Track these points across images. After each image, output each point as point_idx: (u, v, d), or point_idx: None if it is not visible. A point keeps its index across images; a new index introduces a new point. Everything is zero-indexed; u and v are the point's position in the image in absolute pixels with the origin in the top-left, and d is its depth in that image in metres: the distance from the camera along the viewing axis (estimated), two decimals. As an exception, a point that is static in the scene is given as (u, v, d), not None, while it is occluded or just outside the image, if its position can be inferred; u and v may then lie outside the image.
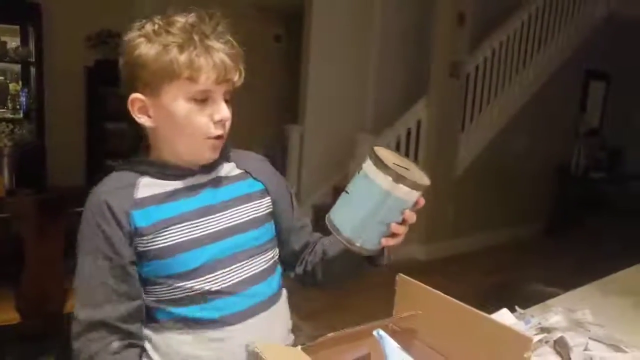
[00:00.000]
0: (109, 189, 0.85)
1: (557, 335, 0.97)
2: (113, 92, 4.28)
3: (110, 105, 4.08)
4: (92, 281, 0.82)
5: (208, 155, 0.87)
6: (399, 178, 0.74)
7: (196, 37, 0.80)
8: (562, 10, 4.90)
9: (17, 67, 4.03)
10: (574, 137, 5.41)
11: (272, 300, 0.93)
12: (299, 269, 1.02)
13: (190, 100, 0.81)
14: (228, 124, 0.86)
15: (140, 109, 0.84)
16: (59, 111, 3.96)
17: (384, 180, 0.74)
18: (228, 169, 0.94)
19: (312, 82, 4.05)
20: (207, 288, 0.84)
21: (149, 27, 0.81)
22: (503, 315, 1.01)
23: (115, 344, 0.81)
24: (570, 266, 3.82)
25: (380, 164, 0.74)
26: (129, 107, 0.85)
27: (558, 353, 1.00)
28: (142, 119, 0.85)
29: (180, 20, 0.81)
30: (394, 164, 0.75)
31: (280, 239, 0.99)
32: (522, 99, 4.63)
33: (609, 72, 5.79)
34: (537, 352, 0.94)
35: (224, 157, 0.93)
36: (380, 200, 0.76)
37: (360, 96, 4.36)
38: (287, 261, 1.02)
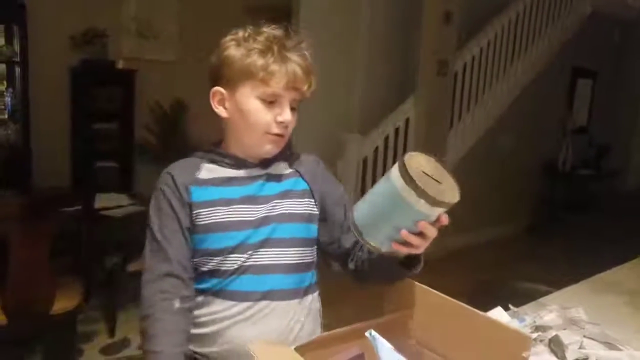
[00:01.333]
0: (176, 166, 1.01)
1: (552, 333, 0.97)
2: (99, 92, 4.22)
3: (97, 105, 4.02)
4: (161, 237, 0.96)
5: (268, 148, 0.99)
6: (419, 192, 0.73)
7: (275, 47, 0.94)
8: (549, 8, 4.95)
9: (1, 67, 3.95)
10: (561, 135, 5.46)
11: (300, 293, 1.00)
12: (352, 265, 1.06)
13: (259, 99, 0.95)
14: (290, 127, 0.99)
15: (220, 101, 0.99)
16: (44, 111, 3.89)
17: (403, 188, 0.73)
18: (282, 167, 1.05)
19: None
20: (237, 265, 0.95)
21: (240, 34, 0.97)
22: (497, 314, 1.01)
23: (177, 304, 0.93)
24: (556, 264, 3.86)
25: (404, 172, 0.73)
26: (210, 98, 0.99)
27: (553, 351, 1.00)
28: (219, 110, 0.99)
29: (267, 31, 0.96)
30: (423, 172, 0.74)
31: (333, 236, 1.06)
32: (509, 97, 4.66)
33: (595, 69, 5.86)
34: (532, 350, 0.94)
35: (282, 156, 1.04)
36: (394, 205, 0.76)
37: (347, 96, 4.35)
38: (341, 258, 1.08)
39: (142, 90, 4.21)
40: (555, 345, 1.01)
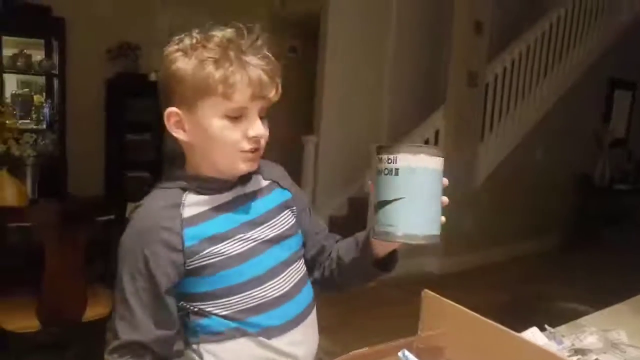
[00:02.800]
0: (155, 209, 0.85)
1: (592, 357, 0.93)
2: (133, 104, 4.35)
3: (130, 117, 4.13)
4: (132, 300, 0.82)
5: (243, 167, 0.87)
6: (438, 152, 0.78)
7: (232, 53, 0.79)
8: (584, 17, 4.81)
9: (41, 80, 4.12)
10: (597, 148, 5.28)
11: (312, 305, 0.95)
12: (317, 274, 1.01)
13: (224, 117, 0.81)
14: (263, 141, 0.86)
15: (176, 123, 0.84)
16: (80, 122, 4.02)
17: (432, 162, 0.77)
18: (258, 180, 0.95)
19: (328, 92, 4.04)
20: (268, 297, 0.87)
21: (187, 41, 0.82)
22: (533, 334, 0.97)
23: None
24: (590, 282, 3.71)
25: (416, 149, 0.77)
26: (165, 120, 0.85)
27: (590, 375, 0.95)
28: (178, 134, 0.85)
29: (218, 35, 0.82)
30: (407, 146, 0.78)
31: (303, 244, 1.01)
32: (542, 109, 4.55)
33: (634, 80, 5.66)
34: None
35: (256, 170, 0.95)
36: (437, 185, 0.78)
37: (376, 106, 4.33)
38: (306, 266, 1.01)
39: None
40: (592, 369, 0.96)
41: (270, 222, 0.91)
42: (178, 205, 0.84)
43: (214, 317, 0.85)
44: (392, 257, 0.91)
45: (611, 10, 5.06)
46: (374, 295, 2.75)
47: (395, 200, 0.76)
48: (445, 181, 0.80)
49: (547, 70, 4.55)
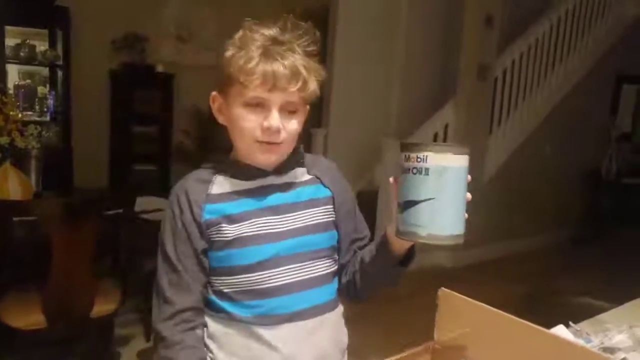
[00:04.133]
0: (188, 182, 0.93)
1: (621, 356, 0.89)
2: (139, 95, 4.31)
3: (136, 109, 4.09)
4: (181, 267, 0.89)
5: (261, 158, 0.91)
6: (465, 149, 0.76)
7: (262, 46, 0.85)
8: (592, 11, 4.77)
9: (45, 70, 4.07)
10: (605, 142, 5.24)
11: (324, 308, 0.93)
12: (344, 279, 1.01)
13: (244, 105, 0.87)
14: (286, 134, 0.89)
15: (217, 107, 0.93)
16: (85, 114, 3.99)
17: (461, 161, 0.76)
18: (299, 173, 0.98)
19: (337, 84, 4.00)
20: (265, 284, 0.88)
21: (239, 34, 0.88)
22: (559, 332, 0.94)
23: (200, 332, 0.90)
24: (602, 276, 3.68)
25: (446, 147, 0.76)
26: (211, 104, 0.94)
27: (623, 377, 0.91)
28: (218, 117, 0.93)
29: (262, 29, 0.87)
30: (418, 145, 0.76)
31: (338, 247, 1.00)
32: (551, 103, 4.51)
33: (641, 74, 5.60)
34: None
35: (296, 162, 0.97)
36: (464, 180, 0.77)
37: (385, 99, 4.29)
38: (337, 272, 1.01)
39: (180, 94, 4.27)
40: (625, 370, 0.92)
41: (297, 214, 0.93)
42: (207, 182, 0.92)
43: (216, 292, 0.91)
44: (409, 253, 0.91)
45: (618, 4, 5.01)
46: (389, 289, 2.74)
47: (424, 200, 0.74)
48: (469, 177, 0.79)
49: (555, 64, 4.51)
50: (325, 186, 0.98)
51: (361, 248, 1.01)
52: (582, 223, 4.95)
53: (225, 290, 0.90)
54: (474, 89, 3.87)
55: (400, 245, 0.88)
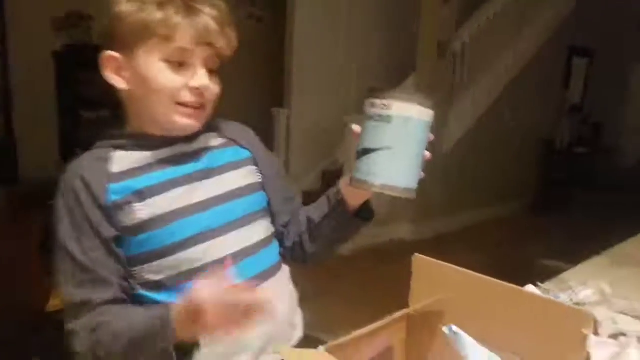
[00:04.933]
0: (82, 165, 0.81)
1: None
2: (87, 78, 4.07)
3: (84, 93, 3.88)
4: (88, 260, 0.76)
5: (181, 122, 0.81)
6: (430, 106, 0.73)
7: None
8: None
9: (-21, 55, 3.80)
10: (558, 113, 5.42)
11: (268, 274, 0.87)
12: (288, 243, 0.95)
13: (165, 61, 0.77)
14: (209, 95, 0.81)
15: (116, 69, 0.80)
16: (28, 100, 3.75)
17: (425, 115, 0.73)
18: (211, 138, 0.90)
19: (297, 64, 3.92)
20: (198, 263, 0.79)
21: None
22: (529, 290, 0.94)
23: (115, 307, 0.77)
24: (564, 240, 3.82)
25: (412, 98, 0.72)
26: (102, 66, 0.80)
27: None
28: (116, 81, 0.80)
29: None
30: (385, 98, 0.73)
31: (270, 210, 0.94)
32: (508, 76, 4.58)
33: (591, 48, 5.79)
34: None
35: (207, 127, 0.88)
36: (425, 134, 0.74)
37: (346, 78, 4.25)
38: (276, 236, 0.95)
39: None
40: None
41: (218, 179, 0.85)
42: (105, 160, 0.81)
43: (143, 285, 0.80)
44: (366, 207, 0.88)
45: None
46: (350, 264, 2.73)
47: (381, 149, 0.71)
48: (431, 136, 0.76)
49: (512, 38, 4.57)
50: (243, 147, 0.92)
51: (298, 207, 0.97)
52: (538, 191, 5.12)
53: (155, 279, 0.79)
54: (433, 65, 3.87)
55: (354, 196, 0.85)
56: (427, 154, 0.76)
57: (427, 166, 0.78)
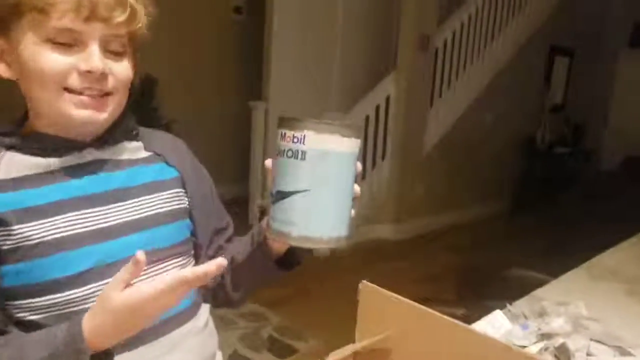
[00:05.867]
0: None
1: (559, 341, 0.85)
2: None
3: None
4: None
5: (76, 114, 0.65)
6: (358, 131, 0.61)
7: None
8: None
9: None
10: (540, 113, 5.41)
11: (181, 319, 0.73)
12: (210, 284, 0.82)
13: (49, 41, 0.63)
14: (114, 81, 0.67)
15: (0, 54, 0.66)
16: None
17: (348, 145, 0.60)
18: (132, 148, 0.75)
19: (276, 56, 3.83)
20: (86, 304, 0.64)
21: None
22: (496, 318, 0.89)
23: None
24: (542, 243, 3.82)
25: (330, 127, 0.59)
26: None
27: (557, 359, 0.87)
28: (3, 70, 0.67)
29: None
30: (318, 122, 0.60)
31: (195, 242, 0.80)
32: (489, 74, 4.57)
33: (573, 47, 5.80)
34: (540, 361, 0.82)
35: (125, 132, 0.75)
36: (351, 169, 0.62)
37: (326, 71, 4.17)
38: None
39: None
40: (560, 353, 0.89)
41: (133, 202, 0.71)
42: None
43: (20, 323, 0.65)
44: (293, 255, 0.75)
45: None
46: (329, 264, 2.67)
47: (298, 192, 0.59)
48: (359, 166, 0.65)
49: (494, 35, 4.54)
50: (170, 165, 0.78)
51: (228, 241, 0.85)
52: (518, 192, 5.11)
53: (34, 318, 0.64)
54: (414, 60, 3.83)
55: (280, 245, 0.73)
56: (357, 189, 0.65)
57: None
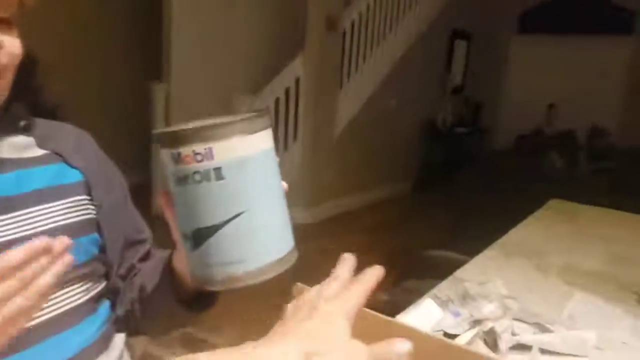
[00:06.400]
0: None
1: (488, 326, 0.83)
2: None
3: None
4: None
5: None
6: (269, 118, 0.51)
7: None
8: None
9: None
10: (441, 95, 5.65)
11: (90, 353, 0.61)
12: (120, 309, 0.69)
13: None
14: (6, 56, 0.53)
15: None
16: None
17: (264, 140, 0.49)
18: (23, 145, 0.61)
19: (176, 34, 3.55)
20: None
21: None
22: (428, 308, 0.85)
23: None
24: (446, 220, 4.00)
25: (237, 126, 0.47)
26: None
27: (486, 343, 0.86)
28: None
29: None
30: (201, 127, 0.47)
31: (104, 260, 0.67)
32: (395, 56, 4.65)
33: (470, 31, 6.11)
34: (473, 349, 0.79)
35: (13, 124, 0.60)
36: (276, 166, 0.51)
37: (234, 52, 3.96)
38: (110, 292, 0.69)
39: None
40: (488, 336, 0.87)
41: (23, 214, 0.57)
42: None
43: None
44: (210, 293, 0.63)
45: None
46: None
47: (227, 221, 0.46)
48: (277, 158, 0.55)
49: (398, 18, 4.61)
50: (72, 167, 0.64)
51: (143, 259, 0.71)
52: (420, 172, 5.32)
53: None
54: (323, 41, 3.78)
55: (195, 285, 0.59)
56: (285, 184, 0.55)
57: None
